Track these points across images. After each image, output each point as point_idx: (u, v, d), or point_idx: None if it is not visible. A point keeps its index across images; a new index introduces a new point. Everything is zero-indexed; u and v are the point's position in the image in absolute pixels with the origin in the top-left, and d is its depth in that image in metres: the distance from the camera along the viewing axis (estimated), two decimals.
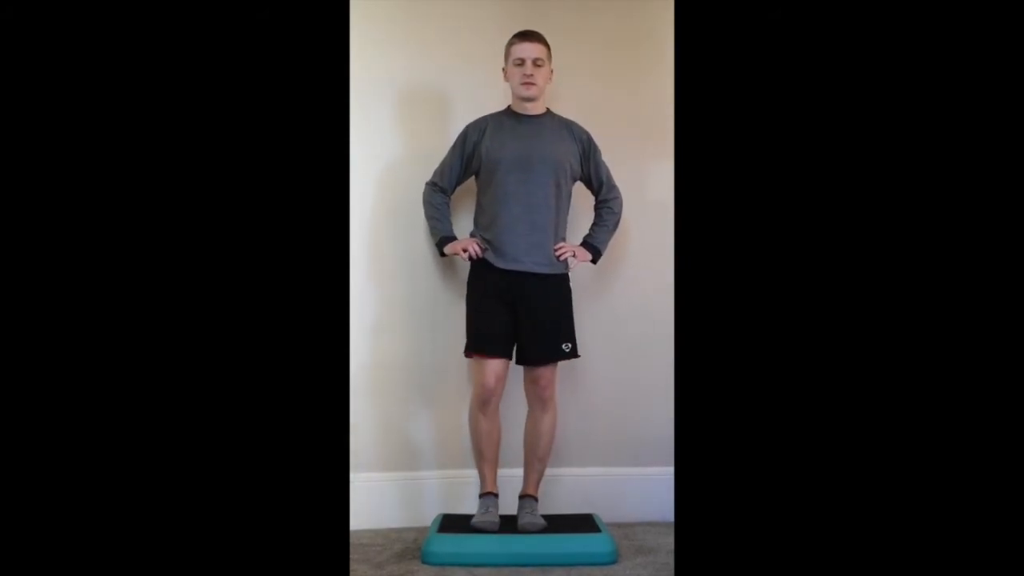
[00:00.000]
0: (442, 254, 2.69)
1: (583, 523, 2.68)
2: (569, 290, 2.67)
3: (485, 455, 2.60)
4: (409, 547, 2.64)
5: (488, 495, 2.60)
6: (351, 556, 2.40)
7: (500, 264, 2.57)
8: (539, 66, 2.56)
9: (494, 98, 2.75)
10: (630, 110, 2.96)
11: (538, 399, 2.63)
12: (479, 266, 2.62)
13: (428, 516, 2.79)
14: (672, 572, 2.38)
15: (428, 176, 2.73)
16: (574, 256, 2.64)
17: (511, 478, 2.71)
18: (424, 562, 2.48)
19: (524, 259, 2.57)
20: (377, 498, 2.83)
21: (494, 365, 2.55)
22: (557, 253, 2.60)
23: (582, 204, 2.79)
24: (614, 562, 2.49)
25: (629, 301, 2.96)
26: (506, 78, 2.64)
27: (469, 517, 2.62)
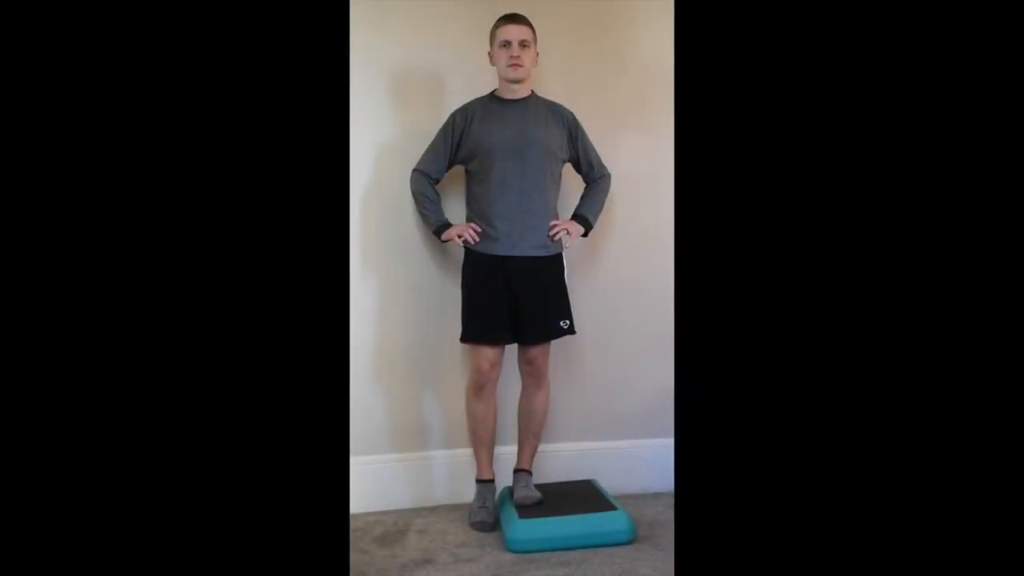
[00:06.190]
0: (442, 241, 2.64)
1: (583, 490, 2.61)
2: (563, 268, 2.64)
3: (482, 439, 2.63)
4: (389, 530, 2.49)
5: (483, 483, 2.61)
6: None
7: (498, 251, 2.54)
8: (525, 47, 2.54)
9: (489, 80, 2.63)
10: (615, 87, 2.86)
11: (533, 377, 2.63)
12: (474, 252, 2.58)
13: (400, 501, 2.69)
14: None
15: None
16: (568, 233, 2.61)
17: (506, 455, 2.67)
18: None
19: (521, 244, 2.54)
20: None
21: (489, 351, 2.56)
22: (551, 233, 2.58)
23: (572, 184, 2.72)
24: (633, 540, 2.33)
25: (618, 276, 2.88)
26: (492, 61, 2.60)
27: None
